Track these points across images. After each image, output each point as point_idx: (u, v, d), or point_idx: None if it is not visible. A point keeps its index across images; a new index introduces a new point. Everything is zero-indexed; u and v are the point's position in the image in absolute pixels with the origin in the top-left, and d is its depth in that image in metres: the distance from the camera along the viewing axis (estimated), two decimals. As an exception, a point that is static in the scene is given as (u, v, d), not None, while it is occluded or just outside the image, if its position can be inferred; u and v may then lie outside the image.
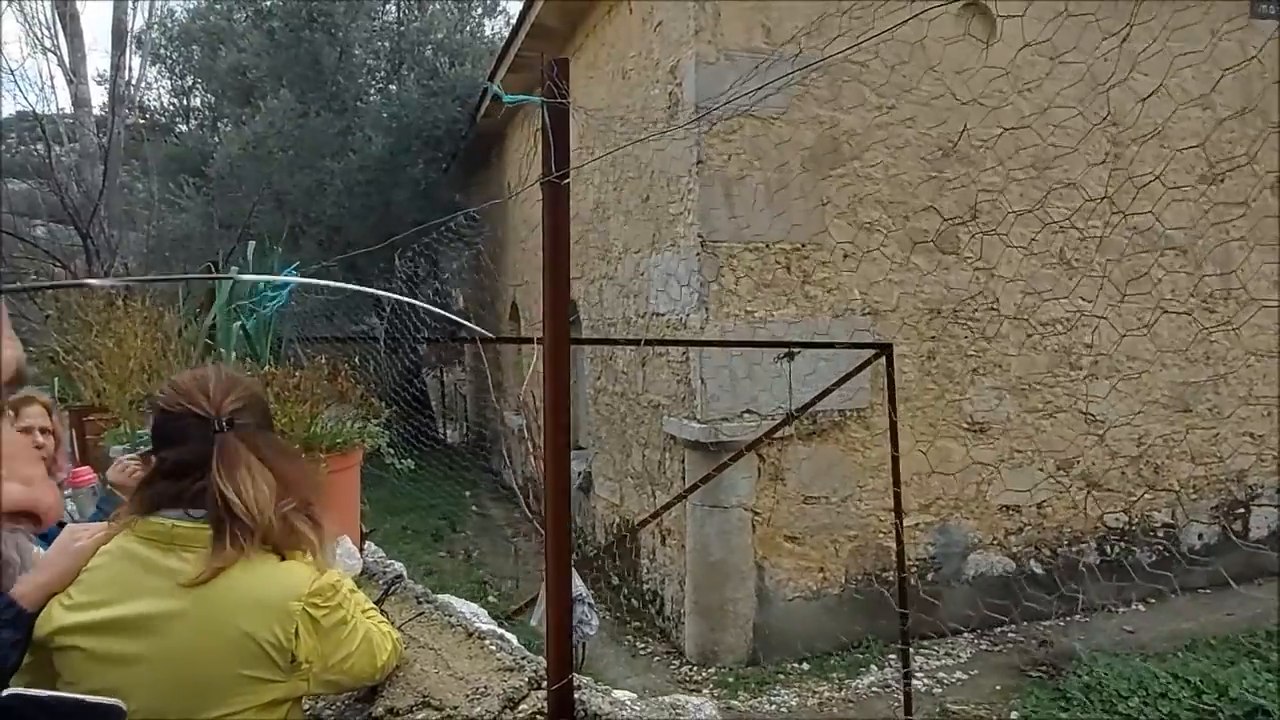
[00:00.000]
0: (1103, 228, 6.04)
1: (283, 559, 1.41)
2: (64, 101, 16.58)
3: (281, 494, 1.38)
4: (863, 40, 3.91)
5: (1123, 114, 5.94)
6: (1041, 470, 6.09)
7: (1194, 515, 6.50)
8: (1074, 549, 6.21)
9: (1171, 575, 6.11)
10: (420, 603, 2.06)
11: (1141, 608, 6.19)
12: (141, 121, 15.99)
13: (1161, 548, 6.39)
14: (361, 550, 2.42)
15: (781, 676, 5.36)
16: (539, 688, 1.49)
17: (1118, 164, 6.00)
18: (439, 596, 2.14)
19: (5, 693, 0.60)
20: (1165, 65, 5.10)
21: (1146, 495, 6.38)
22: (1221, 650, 5.29)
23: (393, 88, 12.10)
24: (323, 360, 2.34)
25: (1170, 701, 4.63)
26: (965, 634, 5.81)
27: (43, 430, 2.84)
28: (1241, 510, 6.64)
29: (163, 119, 16.36)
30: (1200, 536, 6.53)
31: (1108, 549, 6.29)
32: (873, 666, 5.43)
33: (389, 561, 2.48)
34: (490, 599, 6.61)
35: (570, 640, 1.47)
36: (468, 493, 10.28)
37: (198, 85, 15.08)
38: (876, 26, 4.93)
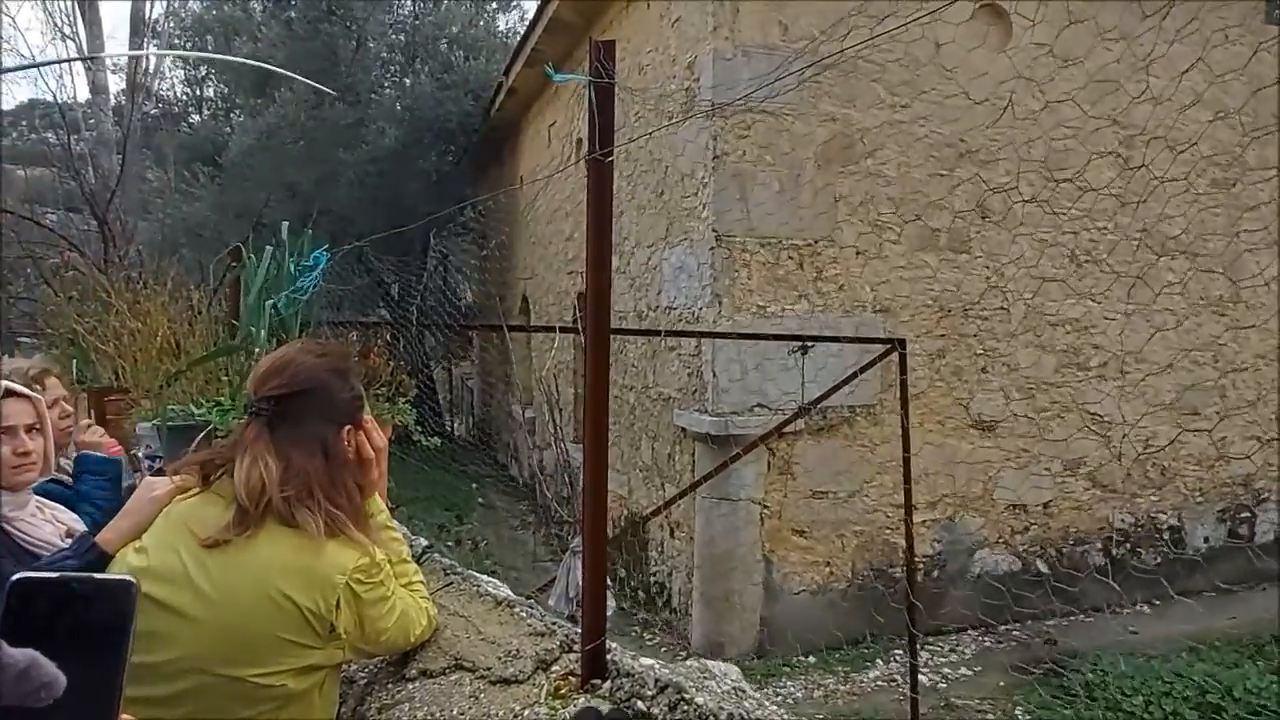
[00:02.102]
0: (1113, 229, 6.08)
1: (338, 534, 1.47)
2: (81, 89, 16.67)
3: (284, 482, 1.43)
4: (872, 38, 3.95)
5: (1134, 117, 5.98)
6: (1048, 470, 6.13)
7: (1200, 518, 6.54)
8: (1079, 549, 6.25)
9: (1176, 578, 6.15)
10: (448, 574, 2.11)
11: (1146, 609, 6.22)
12: (156, 111, 16.08)
13: (1166, 550, 6.42)
14: (387, 526, 2.47)
15: (787, 669, 5.41)
16: (570, 650, 1.54)
17: (1128, 166, 6.03)
18: (466, 570, 2.19)
19: (15, 576, 0.66)
20: (1177, 68, 5.15)
21: (1153, 497, 6.41)
22: (1225, 653, 5.32)
23: (406, 81, 12.16)
24: (354, 338, 2.39)
25: (1174, 700, 4.66)
26: (970, 631, 5.85)
27: (65, 399, 2.92)
28: (1247, 514, 6.67)
29: (177, 109, 16.45)
30: (1206, 540, 6.56)
31: (1113, 550, 6.33)
32: (878, 661, 5.48)
33: (413, 538, 2.52)
34: (505, 586, 6.65)
35: (605, 604, 1.51)
36: (474, 485, 10.34)
37: (211, 75, 15.17)
38: (889, 23, 4.98)
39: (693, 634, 5.74)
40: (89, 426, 2.64)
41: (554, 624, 1.64)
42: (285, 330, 2.72)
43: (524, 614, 1.72)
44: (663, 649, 5.86)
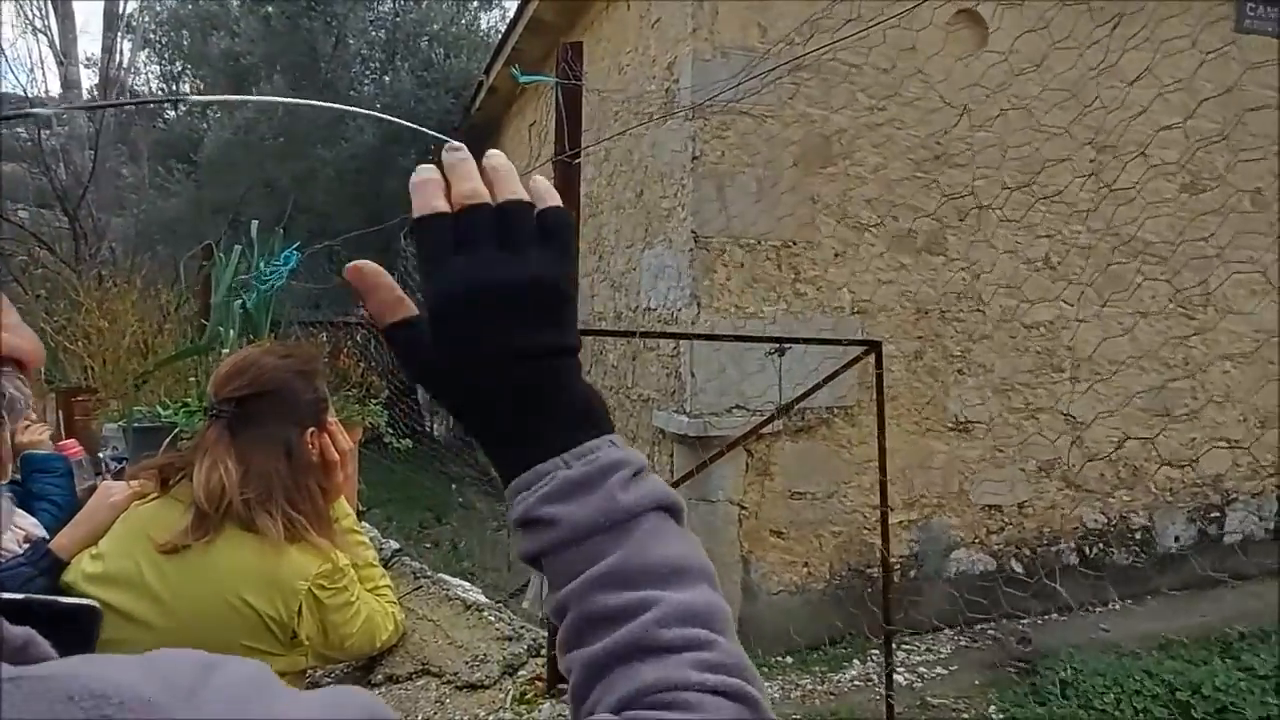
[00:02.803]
0: (1085, 232, 6.14)
1: (300, 539, 1.45)
2: (53, 84, 16.42)
3: (244, 486, 1.41)
4: (843, 38, 3.97)
5: (1105, 121, 6.04)
6: (1023, 470, 6.18)
7: (1170, 518, 6.62)
8: (1053, 549, 6.30)
9: (1147, 577, 6.23)
10: (417, 578, 2.10)
11: (1118, 607, 6.29)
12: (131, 106, 15.85)
13: (1138, 549, 6.50)
14: (358, 528, 2.45)
15: (765, 669, 5.42)
16: (538, 655, 1.53)
17: (1101, 171, 6.09)
18: (435, 574, 2.18)
19: None
20: (1147, 75, 5.19)
21: (1125, 497, 6.48)
22: (1194, 650, 5.39)
23: (386, 78, 12.08)
24: (324, 338, 2.36)
25: (1144, 698, 4.72)
26: (946, 630, 5.89)
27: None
28: (1217, 514, 6.75)
29: (152, 104, 16.23)
30: (1176, 539, 6.64)
31: (1086, 549, 6.39)
32: (855, 661, 5.50)
33: (383, 540, 2.51)
34: (478, 589, 6.63)
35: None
36: (453, 485, 10.28)
37: (188, 70, 15.00)
38: (859, 26, 5.00)
39: (670, 634, 5.73)
40: (28, 426, 2.59)
41: (522, 628, 1.63)
42: (254, 330, 2.69)
43: (492, 618, 1.71)
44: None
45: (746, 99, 5.26)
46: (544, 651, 1.50)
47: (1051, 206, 5.99)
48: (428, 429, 14.08)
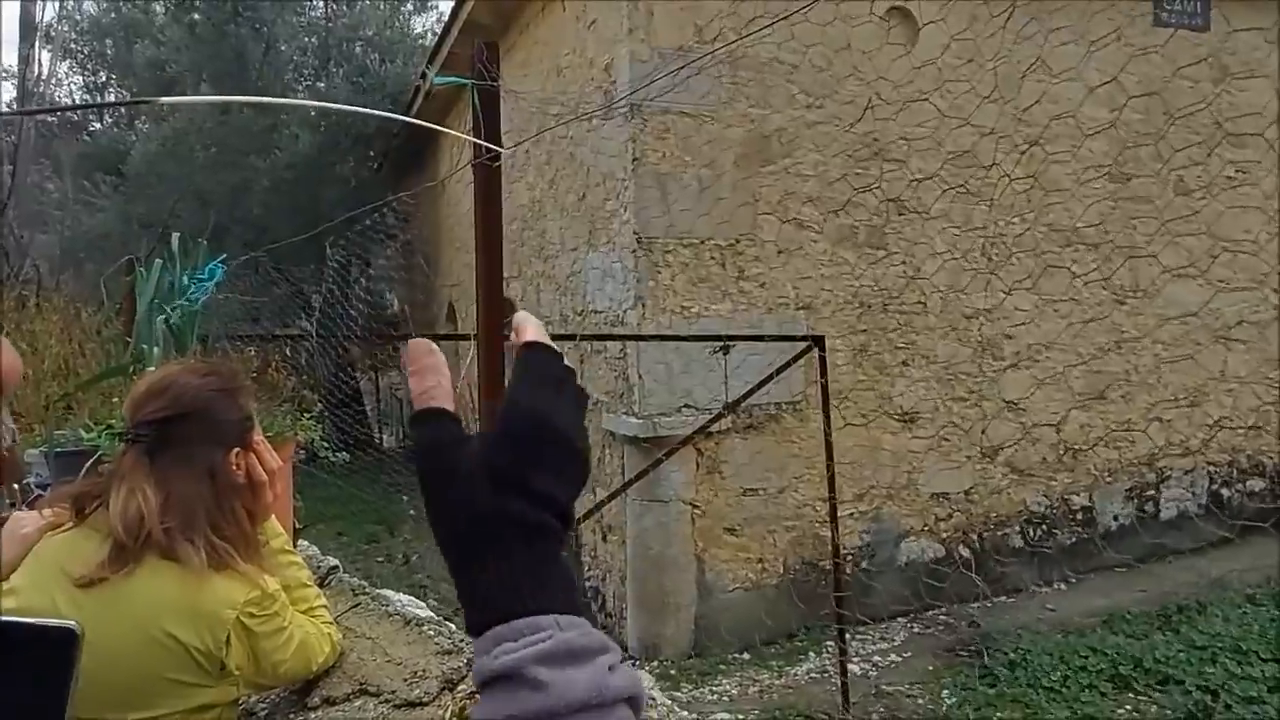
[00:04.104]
0: (1019, 223, 6.28)
1: (225, 566, 1.40)
2: (-33, 98, 15.80)
3: (164, 513, 1.36)
4: (760, 29, 4.00)
5: (1036, 114, 6.19)
6: (968, 458, 6.30)
7: (1109, 497, 6.81)
8: (999, 533, 6.44)
9: (1089, 555, 6.40)
10: (356, 594, 2.04)
11: (1063, 587, 6.45)
12: (53, 119, 15.32)
13: (1080, 530, 6.67)
14: (295, 546, 2.38)
15: (723, 667, 5.43)
16: (478, 669, 1.51)
17: (1030, 161, 6.24)
18: (376, 590, 2.13)
19: None
20: (1074, 69, 5.35)
21: (1066, 479, 6.65)
22: (1136, 624, 5.55)
23: (321, 85, 11.86)
24: (252, 354, 2.30)
25: (1090, 674, 4.84)
26: (899, 619, 5.97)
27: None
28: (1152, 492, 6.97)
29: (76, 116, 15.70)
30: (1115, 518, 6.84)
31: (1030, 532, 6.54)
32: (811, 653, 5.54)
33: (322, 558, 2.44)
34: (431, 602, 6.53)
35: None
36: (405, 497, 10.13)
37: (112, 81, 14.54)
38: (802, 25, 5.05)
39: (628, 637, 5.72)
40: None
41: (462, 641, 1.60)
42: (180, 347, 2.60)
43: (432, 632, 1.68)
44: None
45: (686, 100, 5.28)
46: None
47: (986, 198, 6.12)
48: (376, 440, 13.87)
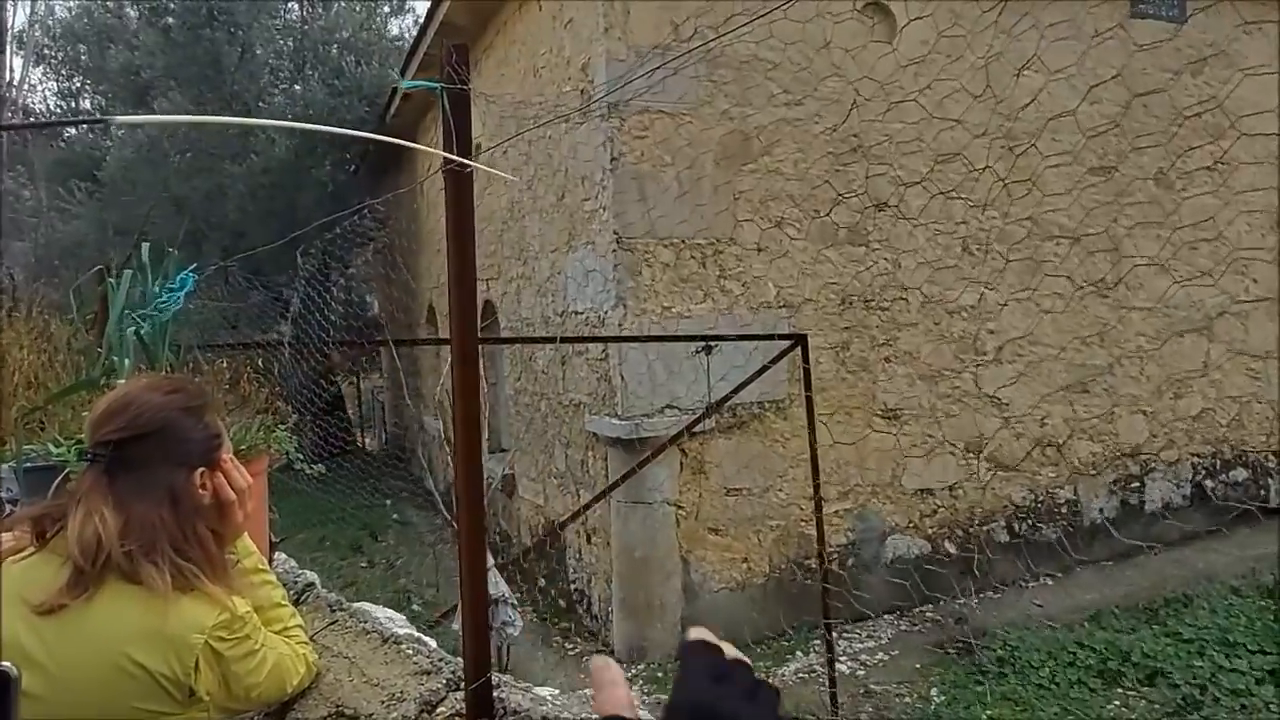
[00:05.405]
0: (1001, 218, 6.29)
1: (192, 589, 1.35)
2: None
3: (124, 536, 1.31)
4: (734, 30, 3.97)
5: (1016, 109, 6.20)
6: (952, 454, 6.30)
7: (1094, 491, 6.83)
8: (985, 528, 6.45)
9: (1076, 549, 6.42)
10: (334, 611, 1.99)
11: (1049, 581, 6.47)
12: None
13: (1066, 523, 6.69)
14: (271, 561, 2.33)
15: (710, 669, 5.39)
16: (457, 689, 1.46)
17: (1012, 157, 6.25)
18: (354, 604, 2.08)
19: None
20: (1054, 62, 5.36)
21: (1050, 473, 6.67)
22: (1123, 618, 5.57)
23: (297, 88, 11.74)
24: (224, 365, 2.24)
25: (1078, 669, 4.85)
26: (886, 616, 5.97)
27: None
28: (1137, 484, 7.00)
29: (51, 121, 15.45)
30: (1101, 511, 6.86)
31: (1016, 527, 6.55)
32: (798, 653, 5.52)
33: (299, 571, 2.39)
34: (414, 607, 6.48)
35: (487, 638, 1.44)
36: (388, 501, 10.05)
37: (87, 87, 14.33)
38: (782, 23, 5.03)
39: (614, 640, 5.68)
40: None
41: (441, 661, 1.55)
42: (151, 359, 2.54)
43: (410, 651, 1.63)
44: (585, 657, 5.79)
45: (665, 100, 5.24)
46: (463, 686, 1.42)
47: (967, 193, 6.12)
48: (361, 444, 13.77)
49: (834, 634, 4.92)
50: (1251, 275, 7.29)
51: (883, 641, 5.69)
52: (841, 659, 5.25)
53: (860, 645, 5.62)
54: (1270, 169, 7.11)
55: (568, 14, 5.91)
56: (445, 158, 1.37)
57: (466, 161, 1.29)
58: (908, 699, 4.90)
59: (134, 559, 1.31)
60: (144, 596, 1.31)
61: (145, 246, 2.79)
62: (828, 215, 5.85)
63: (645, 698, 5.14)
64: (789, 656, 5.49)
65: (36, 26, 14.52)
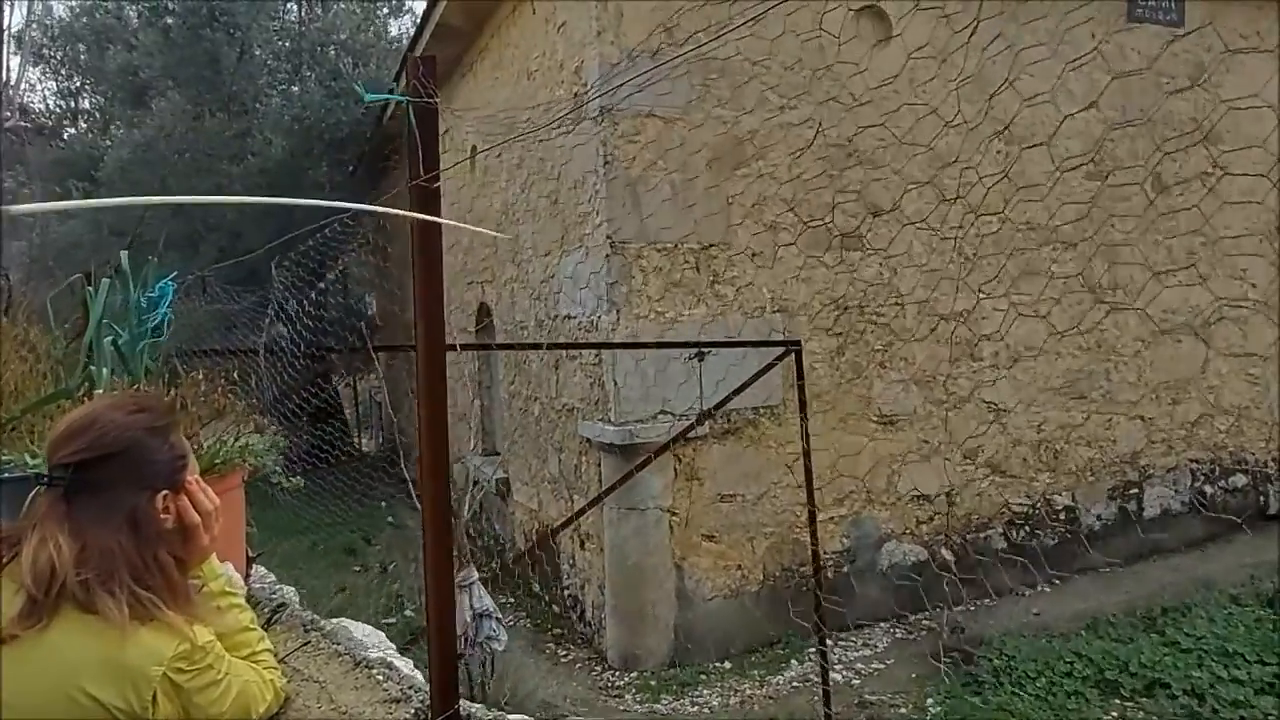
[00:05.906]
0: (996, 222, 6.24)
1: (151, 618, 1.31)
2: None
3: (79, 564, 1.27)
4: (727, 31, 3.93)
5: (1011, 114, 6.15)
6: (949, 460, 6.25)
7: (1092, 497, 6.78)
8: (982, 535, 6.40)
9: (1073, 556, 6.37)
10: (308, 630, 1.95)
11: (1047, 589, 6.41)
12: (25, 125, 15.07)
13: (1063, 530, 6.64)
14: (248, 576, 2.29)
15: (704, 677, 5.36)
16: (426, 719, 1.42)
17: (1008, 161, 6.20)
18: (330, 622, 2.04)
19: None
20: (1050, 67, 5.30)
21: (1047, 480, 6.62)
22: (1121, 627, 5.52)
23: (294, 89, 11.70)
24: (199, 375, 2.20)
25: (1075, 680, 4.80)
26: (882, 624, 5.92)
27: None
28: (1135, 491, 6.95)
29: (49, 122, 15.46)
30: (1099, 518, 6.81)
31: (1013, 534, 6.51)
32: (793, 661, 5.48)
33: (277, 587, 2.35)
34: (407, 613, 6.43)
35: (455, 667, 1.40)
36: (383, 504, 10.00)
37: (86, 86, 14.31)
38: (775, 27, 4.98)
39: (607, 647, 5.64)
40: None
41: (410, 688, 1.51)
42: (130, 370, 2.50)
43: (380, 677, 1.59)
44: (577, 665, 5.75)
45: (657, 103, 5.20)
46: (430, 716, 1.38)
47: (962, 198, 6.07)
48: (358, 446, 13.72)
49: (828, 642, 4.88)
50: (1250, 280, 7.25)
51: (878, 650, 5.64)
52: (836, 668, 5.20)
53: (855, 654, 5.57)
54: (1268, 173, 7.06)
55: (560, 17, 5.87)
56: (414, 159, 1.33)
57: (425, 185, 1.25)
58: (903, 709, 4.86)
59: (90, 588, 1.27)
60: (100, 627, 1.26)
61: (124, 255, 2.75)
62: (822, 221, 5.81)
63: (638, 706, 5.10)
64: (783, 665, 5.44)
65: (34, 26, 14.51)
